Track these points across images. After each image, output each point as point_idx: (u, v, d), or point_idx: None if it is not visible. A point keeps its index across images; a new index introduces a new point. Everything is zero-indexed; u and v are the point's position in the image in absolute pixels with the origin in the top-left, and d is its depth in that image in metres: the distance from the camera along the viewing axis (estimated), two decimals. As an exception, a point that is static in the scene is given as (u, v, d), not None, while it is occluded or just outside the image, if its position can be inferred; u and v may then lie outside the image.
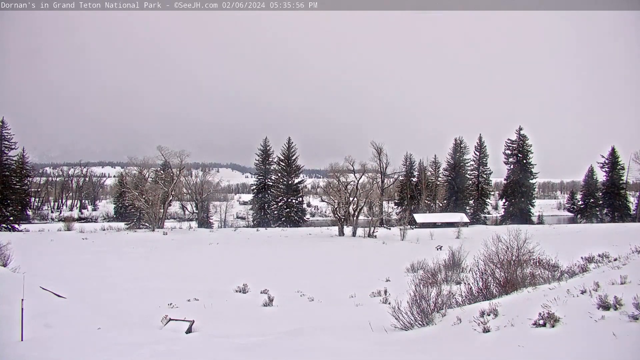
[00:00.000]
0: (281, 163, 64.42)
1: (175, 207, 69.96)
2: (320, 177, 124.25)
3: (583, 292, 5.16)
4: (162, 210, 47.90)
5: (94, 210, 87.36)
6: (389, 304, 8.68)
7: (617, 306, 4.41)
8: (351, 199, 41.93)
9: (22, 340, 5.81)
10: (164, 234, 37.24)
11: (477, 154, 65.64)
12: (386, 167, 61.95)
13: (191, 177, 62.54)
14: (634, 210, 61.40)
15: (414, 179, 67.61)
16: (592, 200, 63.65)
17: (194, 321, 7.50)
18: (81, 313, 7.96)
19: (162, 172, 54.70)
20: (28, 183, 61.85)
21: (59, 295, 8.78)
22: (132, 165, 53.74)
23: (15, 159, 52.54)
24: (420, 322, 6.60)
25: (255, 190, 66.54)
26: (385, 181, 61.11)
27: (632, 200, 63.54)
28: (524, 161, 62.62)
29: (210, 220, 63.85)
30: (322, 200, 50.66)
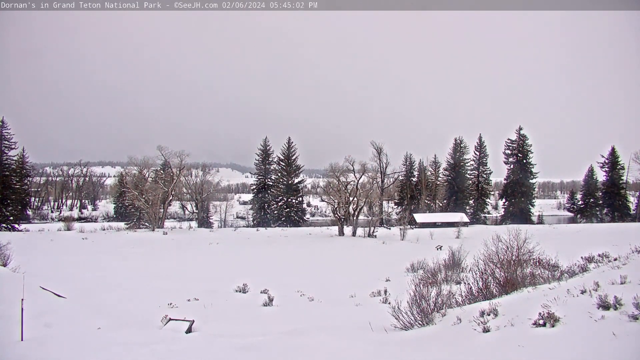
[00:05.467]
0: (281, 163, 64.39)
1: (175, 207, 69.96)
2: (320, 177, 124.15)
3: (583, 292, 5.16)
4: (162, 210, 47.93)
5: (94, 210, 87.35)
6: (389, 303, 8.67)
7: (617, 306, 4.41)
8: (351, 198, 41.93)
9: (22, 340, 5.81)
10: (164, 234, 37.23)
11: (477, 153, 65.63)
12: (386, 167, 62.01)
13: (191, 176, 62.49)
14: (634, 210, 61.38)
15: (414, 179, 67.59)
16: (592, 200, 63.63)
17: (193, 321, 7.49)
18: (81, 313, 7.95)
19: (162, 172, 54.71)
20: (28, 183, 61.86)
21: (59, 295, 8.77)
22: (132, 165, 53.74)
23: (15, 158, 52.53)
24: (420, 322, 6.60)
25: (255, 190, 66.53)
26: (385, 181, 61.09)
27: (632, 200, 63.52)
28: (524, 161, 62.61)
29: (210, 220, 63.85)
30: (322, 200, 50.68)
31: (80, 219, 69.90)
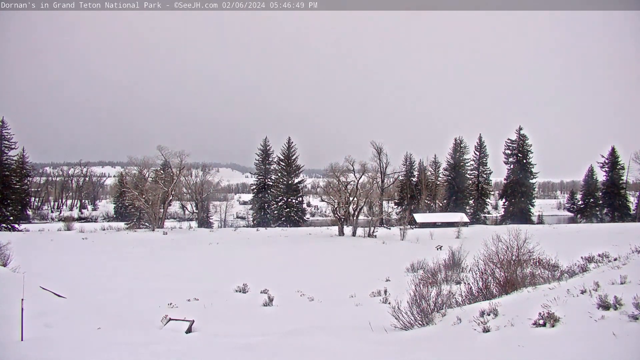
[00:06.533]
0: (281, 163, 64.39)
1: (175, 207, 69.94)
2: (320, 177, 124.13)
3: (583, 292, 5.16)
4: (162, 210, 47.88)
5: (94, 210, 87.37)
6: (389, 303, 8.68)
7: (617, 306, 4.41)
8: (351, 198, 41.91)
9: (22, 340, 5.81)
10: (164, 234, 37.21)
11: (477, 153, 65.63)
12: (386, 167, 61.91)
13: (191, 176, 62.46)
14: (634, 210, 61.38)
15: (414, 179, 67.59)
16: (592, 200, 63.62)
17: (193, 321, 7.49)
18: (81, 313, 7.95)
19: (162, 172, 54.68)
20: (28, 183, 61.86)
21: (59, 295, 8.78)
22: (132, 165, 53.77)
23: (15, 158, 52.54)
24: (420, 322, 6.60)
25: (255, 190, 66.53)
26: (385, 181, 61.04)
27: (632, 200, 63.51)
28: (524, 161, 62.62)
29: (210, 220, 63.85)
30: (322, 200, 50.61)
31: (80, 219, 69.91)
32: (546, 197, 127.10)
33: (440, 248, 23.07)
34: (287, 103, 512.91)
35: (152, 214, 44.84)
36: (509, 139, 63.90)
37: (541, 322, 4.67)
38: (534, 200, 65.26)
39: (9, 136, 50.39)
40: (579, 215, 65.06)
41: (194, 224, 58.23)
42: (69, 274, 15.36)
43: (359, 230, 39.38)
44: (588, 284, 5.27)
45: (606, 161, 61.28)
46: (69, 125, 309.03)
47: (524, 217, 59.93)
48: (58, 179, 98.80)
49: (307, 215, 73.63)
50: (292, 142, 64.72)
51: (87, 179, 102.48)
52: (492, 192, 73.98)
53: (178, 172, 50.98)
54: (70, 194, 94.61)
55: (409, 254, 20.81)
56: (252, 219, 66.86)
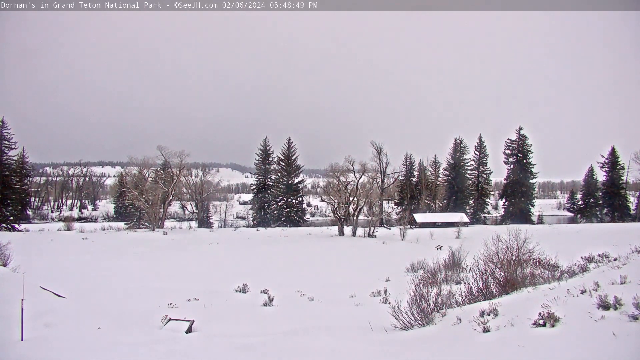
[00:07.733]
0: (281, 163, 64.40)
1: (175, 207, 69.96)
2: (320, 177, 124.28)
3: (583, 292, 5.16)
4: (162, 210, 47.90)
5: (94, 210, 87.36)
6: (389, 303, 8.68)
7: (617, 306, 4.41)
8: (351, 198, 41.90)
9: (22, 340, 5.81)
10: (164, 234, 37.21)
11: (477, 153, 65.65)
12: (386, 167, 61.93)
13: (191, 176, 62.42)
14: (634, 210, 61.40)
15: (414, 179, 67.59)
16: (592, 200, 63.66)
17: (193, 321, 7.49)
18: (81, 313, 7.95)
19: (162, 172, 54.69)
20: (28, 183, 61.85)
21: (59, 295, 8.78)
22: (132, 165, 53.79)
23: (15, 158, 52.55)
24: (420, 322, 6.60)
25: (255, 190, 66.53)
26: (385, 181, 61.04)
27: (632, 200, 63.54)
28: (524, 161, 62.64)
29: (210, 220, 63.85)
30: (322, 200, 50.63)
31: (80, 219, 69.94)
32: (546, 197, 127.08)
33: (440, 248, 23.07)
34: (287, 103, 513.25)
35: (152, 214, 44.83)
36: (509, 139, 63.95)
37: (541, 322, 4.67)
38: (534, 200, 65.30)
39: (9, 136, 50.41)
40: (579, 215, 65.08)
41: (194, 224, 58.23)
42: (69, 274, 15.36)
43: (359, 230, 39.38)
44: (588, 284, 5.27)
45: (606, 161, 61.31)
46: (69, 126, 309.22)
47: (524, 217, 59.95)
48: (58, 179, 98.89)
49: (307, 215, 73.63)
50: (292, 142, 64.80)
51: (87, 179, 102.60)
52: (492, 192, 74.04)
53: (178, 172, 50.97)
54: (70, 194, 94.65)
55: (409, 254, 20.81)
56: (252, 219, 66.86)
